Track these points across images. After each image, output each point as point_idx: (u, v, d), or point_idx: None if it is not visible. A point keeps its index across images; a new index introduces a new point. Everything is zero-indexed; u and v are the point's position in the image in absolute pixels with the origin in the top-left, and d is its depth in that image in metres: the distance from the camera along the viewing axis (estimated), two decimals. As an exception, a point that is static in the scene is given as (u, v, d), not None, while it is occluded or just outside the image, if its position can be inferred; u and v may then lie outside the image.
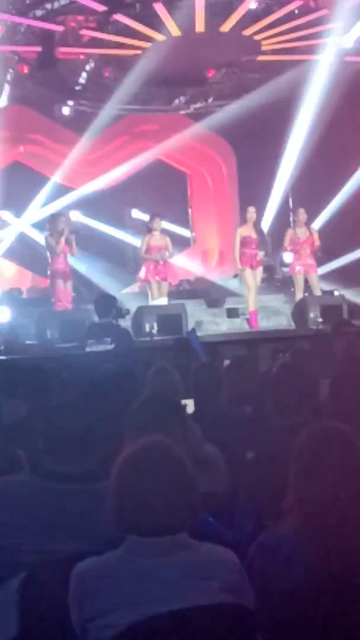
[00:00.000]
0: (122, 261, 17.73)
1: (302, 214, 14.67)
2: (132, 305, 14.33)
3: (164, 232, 14.82)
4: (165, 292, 14.59)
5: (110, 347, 10.94)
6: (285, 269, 16.31)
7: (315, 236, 14.58)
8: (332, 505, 2.79)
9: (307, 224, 14.68)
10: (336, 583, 2.72)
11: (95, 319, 12.21)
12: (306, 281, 14.55)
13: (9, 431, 4.64)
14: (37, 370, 6.10)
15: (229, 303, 15.39)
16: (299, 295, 14.56)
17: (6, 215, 17.93)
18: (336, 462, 2.85)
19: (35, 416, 3.62)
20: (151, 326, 13.20)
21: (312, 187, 16.17)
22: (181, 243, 18.33)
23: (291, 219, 14.75)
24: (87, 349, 11.25)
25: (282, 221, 17.58)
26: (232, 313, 14.93)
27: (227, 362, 9.43)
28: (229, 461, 4.47)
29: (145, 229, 14.34)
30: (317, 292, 14.62)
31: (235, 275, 15.80)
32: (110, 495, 2.87)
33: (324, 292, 14.75)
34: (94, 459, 3.31)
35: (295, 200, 17.54)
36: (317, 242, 14.54)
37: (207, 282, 17.92)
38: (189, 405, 5.87)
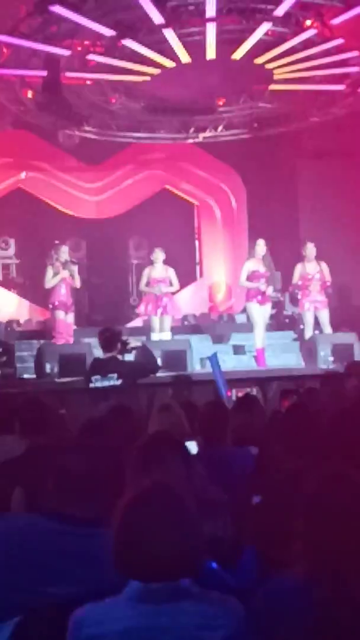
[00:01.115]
0: (126, 293, 17.76)
1: (310, 248, 14.69)
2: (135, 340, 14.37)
3: (169, 263, 14.85)
4: (167, 327, 14.58)
5: (117, 382, 10.94)
6: (295, 306, 16.36)
7: (326, 272, 14.61)
8: (342, 553, 2.80)
9: (317, 258, 14.71)
10: (347, 635, 2.72)
11: (97, 353, 12.20)
12: (316, 319, 14.58)
13: (6, 468, 4.64)
14: (35, 404, 6.08)
15: (235, 339, 15.38)
16: (309, 333, 14.56)
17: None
18: (346, 509, 2.87)
19: (35, 454, 3.62)
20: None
21: (324, 221, 16.23)
22: (187, 276, 18.37)
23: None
24: (91, 385, 11.24)
25: (294, 255, 17.66)
26: (238, 349, 14.93)
27: (233, 400, 9.46)
28: (234, 505, 4.47)
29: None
30: (328, 330, 14.62)
31: (243, 311, 15.82)
32: (113, 538, 2.88)
33: (335, 331, 14.76)
34: (98, 500, 3.32)
35: (307, 234, 17.61)
36: (328, 278, 14.57)
37: (213, 318, 17.94)
38: (192, 446, 5.88)
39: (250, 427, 5.69)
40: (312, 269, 14.65)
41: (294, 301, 16.40)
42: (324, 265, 14.67)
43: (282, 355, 14.96)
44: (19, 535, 3.31)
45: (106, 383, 11.02)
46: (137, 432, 4.81)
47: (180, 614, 2.78)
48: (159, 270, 14.64)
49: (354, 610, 2.73)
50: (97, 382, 11.23)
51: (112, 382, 10.98)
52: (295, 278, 14.75)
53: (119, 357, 11.77)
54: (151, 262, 14.86)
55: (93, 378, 11.41)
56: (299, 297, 14.85)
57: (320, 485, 3.00)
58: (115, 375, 11.22)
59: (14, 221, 17.87)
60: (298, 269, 14.74)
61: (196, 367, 13.30)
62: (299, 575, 2.87)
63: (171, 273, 14.66)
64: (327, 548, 2.82)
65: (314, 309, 14.58)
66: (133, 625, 2.75)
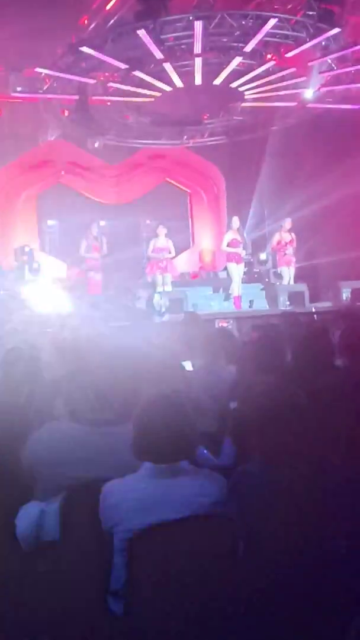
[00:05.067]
0: (137, 258, 17.70)
1: (288, 222, 14.67)
2: (145, 291, 14.38)
3: (168, 236, 14.82)
4: (168, 282, 14.59)
5: (126, 323, 10.95)
6: (262, 266, 16.33)
7: (294, 239, 14.62)
8: (283, 446, 2.84)
9: (290, 230, 14.68)
10: (291, 500, 2.76)
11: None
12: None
13: (50, 385, 4.63)
14: (82, 338, 6.02)
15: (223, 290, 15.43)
16: (285, 282, 14.61)
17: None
18: (285, 414, 2.89)
19: (73, 375, 3.61)
20: (165, 304, 13.32)
21: (282, 202, 16.11)
22: (183, 244, 18.33)
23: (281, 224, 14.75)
24: (109, 324, 11.26)
25: (259, 227, 17.57)
26: (227, 296, 14.95)
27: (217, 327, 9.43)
28: (219, 409, 4.49)
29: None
30: (291, 282, 14.64)
31: (224, 269, 15.78)
32: (132, 433, 2.90)
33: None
34: (118, 408, 3.33)
35: (269, 212, 17.51)
36: (295, 244, 14.64)
37: (202, 274, 17.90)
38: (188, 365, 5.88)
39: (230, 352, 5.66)
40: (287, 237, 14.63)
41: (261, 262, 16.40)
42: (293, 234, 14.66)
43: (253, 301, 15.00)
44: (59, 437, 3.32)
45: (118, 323, 11.05)
46: (150, 357, 4.77)
47: (181, 485, 2.81)
48: (162, 241, 14.62)
49: (288, 481, 2.79)
50: (112, 322, 11.27)
51: (122, 323, 11.00)
52: (273, 243, 14.75)
53: (129, 304, 11.79)
54: (156, 235, 14.82)
55: (110, 319, 11.44)
56: (277, 257, 14.87)
57: (266, 395, 3.02)
58: (124, 317, 11.25)
59: (56, 207, 17.74)
60: (276, 236, 14.73)
61: (190, 309, 13.29)
62: (258, 459, 2.92)
63: (170, 243, 14.66)
64: (271, 443, 2.86)
65: (286, 264, 14.62)
66: (146, 494, 2.79)
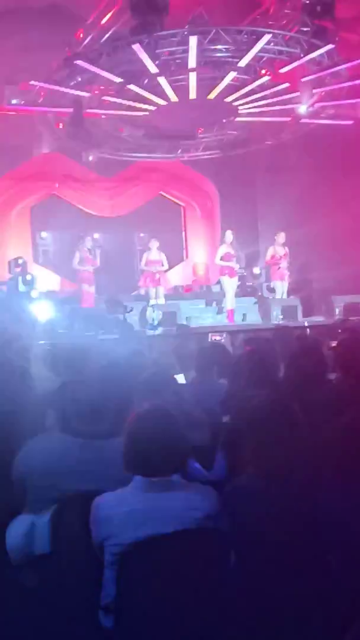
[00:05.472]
0: (130, 271, 17.70)
1: (281, 236, 14.67)
2: (138, 304, 14.37)
3: (161, 249, 14.85)
4: (161, 295, 14.64)
5: (115, 336, 10.95)
6: (256, 280, 16.36)
7: (288, 253, 14.65)
8: (276, 459, 2.83)
9: (284, 244, 14.70)
10: (284, 514, 2.76)
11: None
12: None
13: (43, 398, 4.61)
14: (75, 351, 6.00)
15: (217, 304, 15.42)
16: (279, 296, 14.60)
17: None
18: (279, 428, 2.89)
19: (65, 387, 3.61)
20: (157, 317, 13.31)
21: (275, 216, 16.15)
22: (177, 258, 18.37)
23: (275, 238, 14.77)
24: (99, 337, 11.25)
25: (253, 241, 17.61)
26: (220, 310, 14.95)
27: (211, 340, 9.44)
28: (211, 422, 4.48)
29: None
30: (285, 296, 14.65)
31: (217, 283, 15.80)
32: (123, 445, 2.89)
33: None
34: (110, 420, 3.32)
35: (262, 226, 17.56)
36: (288, 258, 14.65)
37: (195, 288, 17.91)
38: (181, 378, 5.87)
39: (222, 365, 5.64)
40: (280, 251, 14.64)
41: (255, 276, 16.43)
42: (287, 248, 14.68)
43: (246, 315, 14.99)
44: (51, 449, 3.32)
45: (108, 336, 11.04)
46: (143, 370, 4.76)
47: (172, 499, 2.80)
48: (154, 254, 14.67)
49: (281, 495, 2.78)
50: (103, 335, 11.26)
51: (112, 336, 11.00)
52: (268, 257, 14.75)
53: (120, 317, 11.79)
54: (149, 248, 14.86)
55: (100, 332, 11.44)
56: (270, 271, 14.89)
57: (261, 408, 3.02)
58: (114, 330, 11.25)
59: (50, 219, 17.76)
60: (270, 250, 14.73)
61: (183, 322, 13.29)
62: (250, 473, 2.91)
63: (163, 257, 14.72)
64: (265, 456, 2.85)
65: (279, 278, 14.63)
66: (137, 508, 2.77)
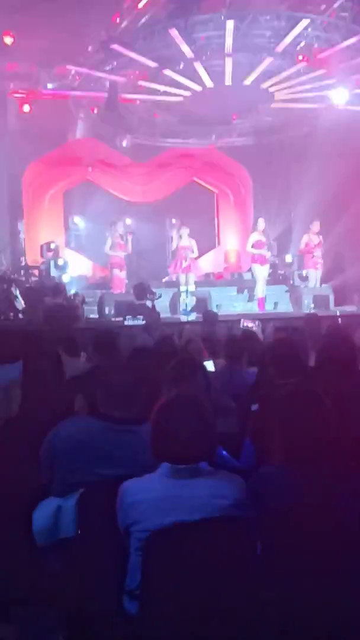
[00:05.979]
0: (162, 257, 17.69)
1: (316, 225, 14.59)
2: (169, 291, 14.37)
3: (192, 236, 14.80)
4: (192, 281, 14.59)
5: (142, 322, 10.94)
6: (287, 268, 16.26)
7: (322, 242, 14.55)
8: (304, 449, 2.80)
9: (318, 233, 14.60)
10: (312, 503, 2.73)
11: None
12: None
13: (73, 381, 4.63)
14: (108, 334, 6.00)
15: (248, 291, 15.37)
16: (312, 285, 14.52)
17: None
18: (310, 416, 2.85)
19: (95, 372, 3.61)
20: (191, 303, 13.34)
21: (310, 204, 16.00)
22: (209, 245, 18.32)
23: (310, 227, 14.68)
24: (125, 323, 11.26)
25: (286, 230, 17.48)
26: (251, 297, 14.90)
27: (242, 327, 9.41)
28: (239, 410, 4.46)
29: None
30: (317, 285, 14.56)
31: (248, 270, 15.73)
32: (150, 431, 2.88)
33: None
34: (140, 405, 3.31)
35: (295, 215, 17.40)
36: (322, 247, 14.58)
37: (227, 275, 17.86)
38: (210, 365, 5.85)
39: (252, 353, 5.62)
40: (315, 240, 14.55)
41: (286, 264, 16.34)
42: (321, 237, 14.58)
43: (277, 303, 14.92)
44: (80, 433, 3.31)
45: (135, 322, 11.04)
46: (172, 356, 4.74)
47: (199, 486, 2.78)
48: (185, 240, 14.63)
49: (314, 484, 2.75)
50: (129, 321, 11.26)
51: (138, 322, 10.99)
52: (302, 245, 14.69)
53: (148, 303, 11.79)
54: (179, 235, 14.85)
55: (127, 317, 11.44)
56: (304, 260, 14.83)
57: (292, 397, 2.99)
58: (141, 316, 11.25)
59: (83, 204, 17.80)
60: (304, 238, 14.66)
61: (214, 309, 13.26)
62: (278, 461, 2.88)
63: (193, 243, 14.66)
64: (294, 446, 2.82)
65: (313, 266, 14.54)
66: (163, 495, 2.76)
